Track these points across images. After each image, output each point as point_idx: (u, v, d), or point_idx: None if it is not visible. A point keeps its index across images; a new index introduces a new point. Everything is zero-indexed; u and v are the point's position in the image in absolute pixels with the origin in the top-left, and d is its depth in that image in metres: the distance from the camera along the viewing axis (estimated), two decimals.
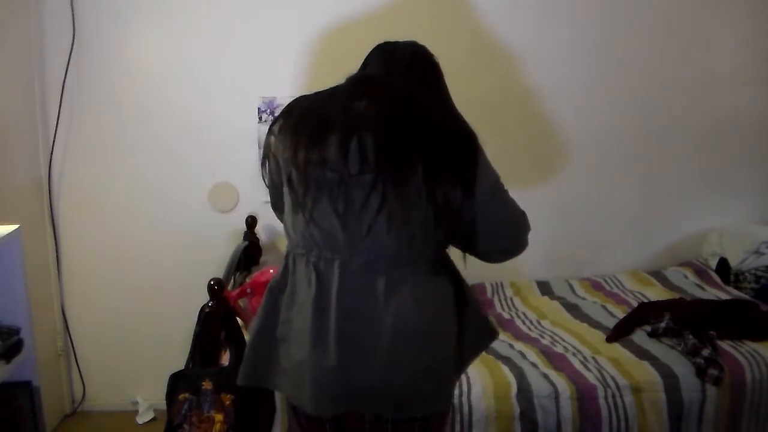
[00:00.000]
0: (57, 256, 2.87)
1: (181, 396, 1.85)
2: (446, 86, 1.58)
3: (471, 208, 1.41)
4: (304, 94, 1.56)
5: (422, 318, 1.44)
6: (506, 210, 1.48)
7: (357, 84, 1.51)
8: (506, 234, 1.50)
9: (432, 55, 1.59)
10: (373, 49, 1.59)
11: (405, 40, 1.59)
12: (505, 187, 1.48)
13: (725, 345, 2.22)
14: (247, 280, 2.57)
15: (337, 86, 1.51)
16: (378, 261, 1.43)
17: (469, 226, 1.44)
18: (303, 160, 1.42)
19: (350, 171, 1.40)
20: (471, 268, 1.51)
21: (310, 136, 1.43)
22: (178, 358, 2.10)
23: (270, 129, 1.53)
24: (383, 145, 1.39)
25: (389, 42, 1.59)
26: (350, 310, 1.43)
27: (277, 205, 1.61)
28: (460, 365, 1.58)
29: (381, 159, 1.38)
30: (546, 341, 2.41)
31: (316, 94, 1.53)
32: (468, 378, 2.07)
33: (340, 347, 1.43)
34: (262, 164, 1.56)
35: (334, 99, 1.48)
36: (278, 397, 1.99)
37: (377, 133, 1.40)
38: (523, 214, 1.51)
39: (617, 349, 2.29)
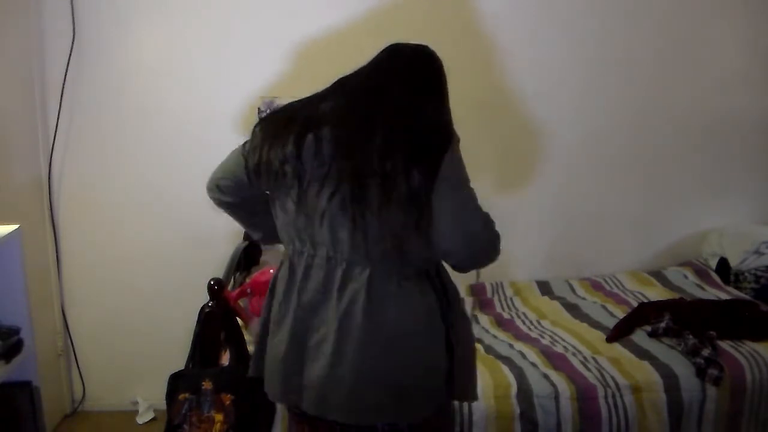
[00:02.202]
0: (57, 256, 2.87)
1: (181, 396, 1.85)
2: (444, 94, 1.54)
3: (428, 197, 1.37)
4: (304, 94, 1.59)
5: (371, 318, 1.42)
6: (466, 211, 1.41)
7: (334, 85, 1.53)
8: (463, 236, 1.40)
9: (435, 60, 1.57)
10: (382, 50, 1.59)
11: (416, 43, 1.58)
12: (474, 193, 1.42)
13: (725, 345, 2.22)
14: (247, 280, 2.57)
15: (323, 89, 1.55)
16: (336, 255, 1.45)
17: (427, 217, 1.39)
18: (266, 158, 1.48)
19: (305, 166, 1.43)
20: None
21: (274, 134, 1.49)
22: (178, 358, 2.10)
23: (253, 129, 1.58)
24: (338, 137, 1.41)
25: (397, 43, 1.58)
26: (307, 303, 1.48)
27: None
28: (448, 378, 1.50)
29: (335, 153, 1.41)
30: (546, 341, 2.40)
31: (303, 98, 1.56)
32: None
33: (292, 339, 1.48)
34: (245, 160, 1.56)
35: (310, 101, 1.52)
36: None
37: (333, 127, 1.43)
38: (486, 221, 1.43)
39: (617, 349, 2.29)
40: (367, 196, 1.38)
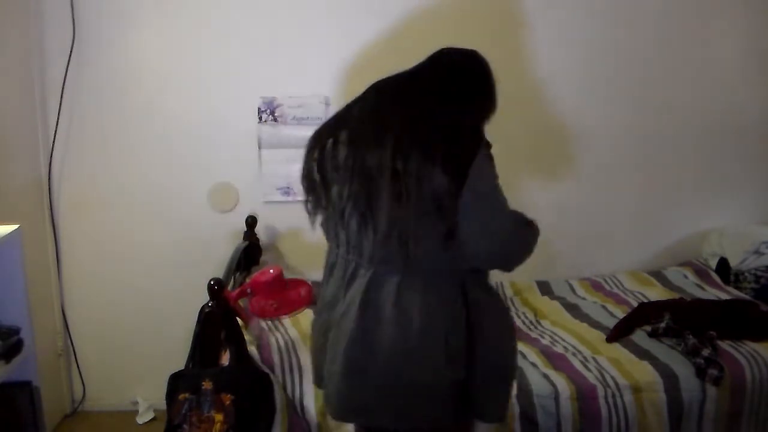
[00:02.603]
0: (57, 256, 2.87)
1: (181, 396, 1.85)
2: (478, 101, 1.53)
3: (454, 203, 1.36)
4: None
5: (362, 321, 1.44)
6: (495, 217, 1.41)
7: (369, 89, 1.55)
8: (499, 241, 1.42)
9: (478, 67, 1.56)
10: (430, 54, 1.60)
11: (466, 48, 1.58)
12: (503, 198, 1.43)
13: (725, 345, 2.22)
14: (247, 280, 2.57)
15: (361, 93, 1.60)
16: (349, 255, 1.51)
17: (448, 222, 1.39)
18: (304, 167, 1.56)
19: (326, 168, 1.50)
20: None
21: (312, 143, 1.55)
22: (178, 358, 2.09)
23: None
24: (351, 139, 1.45)
25: (443, 48, 1.58)
26: (328, 301, 1.56)
27: None
28: (462, 394, 1.49)
29: (348, 154, 1.44)
30: (546, 341, 2.41)
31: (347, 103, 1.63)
32: None
33: (318, 332, 1.59)
34: None
35: (346, 106, 1.57)
36: (278, 397, 1.99)
37: (350, 130, 1.47)
38: (516, 222, 1.45)
39: (617, 349, 2.29)
40: (377, 196, 1.39)
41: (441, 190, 1.35)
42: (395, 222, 1.38)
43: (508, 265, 1.51)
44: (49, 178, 2.81)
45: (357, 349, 1.44)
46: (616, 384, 2.07)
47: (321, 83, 2.78)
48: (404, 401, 1.46)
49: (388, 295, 1.43)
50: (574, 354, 2.27)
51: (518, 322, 2.62)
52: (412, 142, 1.37)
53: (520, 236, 1.48)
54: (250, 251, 2.75)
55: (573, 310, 2.69)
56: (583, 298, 2.82)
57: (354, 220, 1.44)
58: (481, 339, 1.49)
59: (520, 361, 2.21)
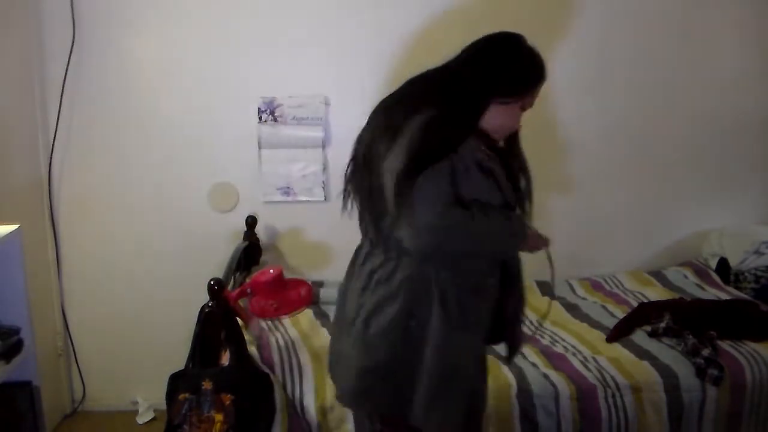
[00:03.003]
0: (57, 256, 2.87)
1: (181, 396, 1.85)
2: (491, 83, 1.49)
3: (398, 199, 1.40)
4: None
5: (345, 281, 1.66)
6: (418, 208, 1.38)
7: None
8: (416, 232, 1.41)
9: (499, 48, 1.53)
10: None
11: (500, 33, 1.57)
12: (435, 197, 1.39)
13: (725, 345, 2.22)
14: (247, 280, 2.57)
15: None
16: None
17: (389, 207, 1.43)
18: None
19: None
20: None
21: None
22: (178, 358, 2.10)
23: None
24: (360, 135, 1.59)
25: (491, 33, 1.57)
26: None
27: None
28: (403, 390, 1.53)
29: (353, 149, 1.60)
30: (546, 341, 2.40)
31: None
32: None
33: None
34: None
35: None
36: (278, 397, 1.99)
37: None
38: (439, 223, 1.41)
39: (617, 349, 2.29)
40: (358, 180, 1.56)
41: (393, 183, 1.39)
42: (365, 204, 1.54)
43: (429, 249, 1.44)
44: (49, 178, 2.81)
45: (339, 309, 1.64)
46: (616, 384, 2.07)
47: (321, 83, 2.78)
48: (341, 369, 1.61)
49: (353, 264, 1.61)
50: (574, 354, 2.27)
51: None
52: (385, 135, 1.46)
53: (445, 231, 1.40)
54: (250, 251, 2.75)
55: (573, 310, 2.69)
56: (583, 298, 2.82)
57: (349, 201, 1.61)
58: (427, 337, 1.47)
59: (521, 361, 2.20)
